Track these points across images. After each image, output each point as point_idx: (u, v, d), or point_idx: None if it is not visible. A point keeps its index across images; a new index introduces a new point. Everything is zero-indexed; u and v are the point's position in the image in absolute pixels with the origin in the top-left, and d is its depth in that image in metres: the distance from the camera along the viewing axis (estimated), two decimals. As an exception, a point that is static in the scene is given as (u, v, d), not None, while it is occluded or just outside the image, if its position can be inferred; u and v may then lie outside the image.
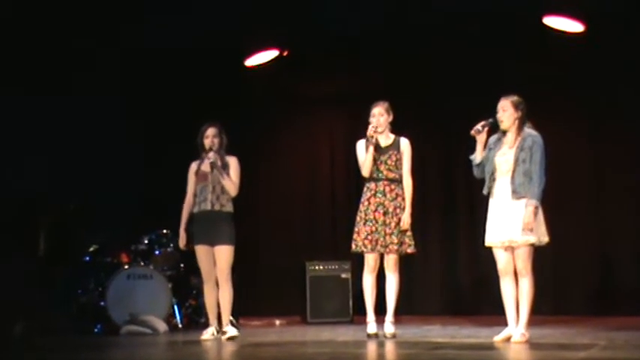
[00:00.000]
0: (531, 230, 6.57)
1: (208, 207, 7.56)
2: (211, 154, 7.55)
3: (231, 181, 7.60)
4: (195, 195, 7.67)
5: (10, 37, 8.83)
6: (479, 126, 6.84)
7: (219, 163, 7.57)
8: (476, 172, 6.96)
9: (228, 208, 7.63)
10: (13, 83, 9.01)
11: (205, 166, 7.64)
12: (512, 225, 6.63)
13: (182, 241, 7.73)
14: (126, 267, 8.90)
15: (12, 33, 8.82)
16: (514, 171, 6.66)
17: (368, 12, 9.25)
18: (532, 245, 6.66)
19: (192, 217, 7.70)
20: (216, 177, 7.57)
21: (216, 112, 8.41)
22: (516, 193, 6.64)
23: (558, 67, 9.72)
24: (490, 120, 6.86)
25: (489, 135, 6.93)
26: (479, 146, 6.87)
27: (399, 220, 7.32)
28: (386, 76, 10.27)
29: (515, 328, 6.69)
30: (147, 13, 9.23)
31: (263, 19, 9.36)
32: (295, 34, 9.91)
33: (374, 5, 9.13)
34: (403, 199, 7.39)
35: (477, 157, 6.90)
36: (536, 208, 6.58)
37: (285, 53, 10.24)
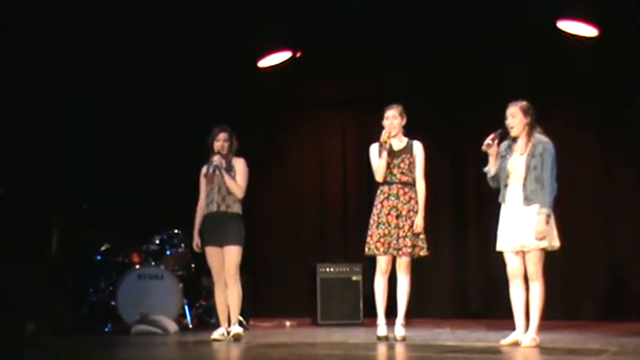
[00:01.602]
0: (544, 238, 6.59)
1: (214, 208, 7.58)
2: (216, 158, 7.56)
3: (236, 184, 7.61)
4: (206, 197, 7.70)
5: (13, 37, 8.85)
6: (489, 140, 6.82)
7: (224, 165, 7.59)
8: (491, 183, 6.96)
9: (235, 209, 7.64)
10: (21, 84, 9.05)
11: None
12: (525, 231, 6.65)
13: (196, 245, 7.74)
14: (137, 267, 8.92)
15: (15, 33, 8.84)
16: (526, 178, 6.68)
17: (381, 15, 9.26)
18: (543, 250, 6.66)
19: (202, 219, 7.71)
20: (222, 178, 7.59)
21: (228, 113, 8.43)
22: (528, 200, 6.66)
23: (571, 72, 9.71)
24: (499, 131, 6.86)
25: (499, 143, 6.91)
26: (492, 159, 6.86)
27: (412, 223, 7.32)
28: (399, 78, 10.27)
29: (526, 333, 6.68)
30: (153, 13, 9.25)
31: (276, 20, 9.37)
32: (308, 36, 9.92)
33: (387, 9, 9.13)
34: (416, 202, 7.40)
35: (491, 169, 6.88)
36: (548, 216, 6.60)
37: (297, 55, 10.25)
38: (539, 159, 6.66)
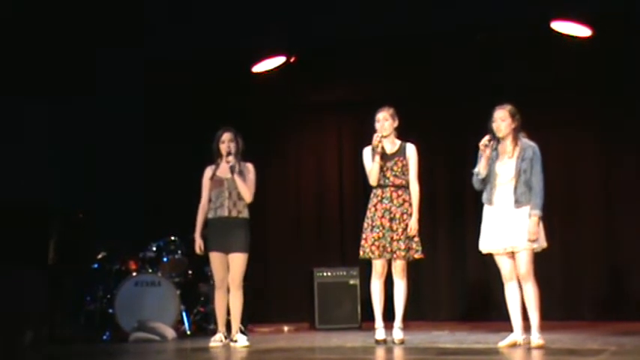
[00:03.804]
0: (535, 240, 6.64)
1: (225, 213, 7.55)
2: (231, 158, 7.54)
3: (247, 188, 7.59)
4: (209, 200, 7.67)
5: (14, 41, 8.83)
6: (486, 140, 6.83)
7: (237, 167, 7.57)
8: (478, 185, 6.98)
9: (245, 214, 7.63)
10: (19, 88, 9.03)
11: (221, 172, 7.64)
12: (515, 232, 6.70)
13: (199, 247, 7.70)
14: (134, 274, 8.90)
15: (18, 36, 8.83)
16: (517, 181, 6.73)
17: (376, 18, 9.25)
18: (532, 250, 6.72)
19: (206, 222, 7.68)
20: (232, 183, 7.57)
21: (222, 119, 8.42)
22: (519, 203, 6.72)
23: (566, 73, 9.71)
24: (494, 132, 6.88)
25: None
26: (484, 160, 6.87)
27: (406, 225, 7.30)
28: (394, 82, 10.26)
29: (524, 334, 6.69)
30: (154, 19, 9.25)
31: (270, 26, 9.36)
32: (302, 40, 9.91)
33: (385, 11, 9.12)
34: (410, 204, 7.38)
35: (482, 171, 6.89)
36: (539, 218, 6.65)
37: (292, 59, 10.24)
38: (529, 163, 6.74)
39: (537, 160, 6.74)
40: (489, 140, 6.84)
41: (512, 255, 6.77)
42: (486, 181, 6.89)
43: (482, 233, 6.91)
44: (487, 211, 6.88)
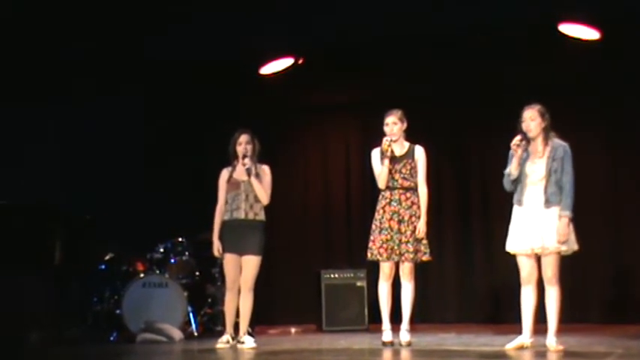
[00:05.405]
0: (565, 242, 6.59)
1: (242, 216, 7.56)
2: (247, 161, 7.55)
3: (264, 190, 7.61)
4: (226, 202, 7.67)
5: (15, 41, 8.85)
6: (517, 140, 6.75)
7: (254, 170, 7.58)
8: (509, 186, 6.88)
9: (262, 216, 7.65)
10: (21, 94, 9.05)
11: (238, 174, 7.65)
12: (545, 233, 6.62)
13: (217, 250, 7.68)
14: (141, 275, 8.92)
15: (18, 37, 8.85)
16: (547, 181, 6.67)
17: (381, 21, 9.26)
18: (560, 253, 6.65)
19: (222, 224, 7.68)
20: (249, 186, 7.58)
21: (229, 121, 8.44)
22: (549, 203, 6.64)
23: (574, 75, 9.70)
24: (524, 133, 6.82)
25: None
26: (516, 161, 6.78)
27: (415, 228, 7.30)
28: (400, 84, 10.26)
29: (547, 338, 6.65)
30: (154, 22, 9.26)
31: (277, 28, 9.38)
32: (309, 43, 9.92)
33: (387, 13, 9.13)
34: (418, 207, 7.38)
35: (514, 171, 6.79)
36: (570, 219, 6.59)
37: (299, 61, 10.25)
38: (560, 162, 6.67)
39: (568, 160, 6.67)
40: (521, 140, 6.77)
41: (536, 258, 6.70)
42: (517, 181, 6.85)
43: (510, 233, 6.82)
44: (516, 212, 6.80)
